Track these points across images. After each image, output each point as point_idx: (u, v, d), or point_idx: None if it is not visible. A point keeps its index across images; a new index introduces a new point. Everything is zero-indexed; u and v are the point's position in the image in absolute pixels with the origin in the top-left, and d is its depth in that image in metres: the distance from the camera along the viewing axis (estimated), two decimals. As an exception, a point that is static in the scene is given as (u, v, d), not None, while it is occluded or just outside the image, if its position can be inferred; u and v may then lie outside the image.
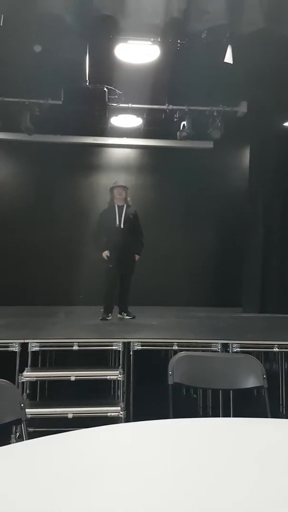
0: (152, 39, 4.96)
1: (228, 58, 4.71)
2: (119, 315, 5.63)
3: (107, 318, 5.44)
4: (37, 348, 3.79)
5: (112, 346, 3.88)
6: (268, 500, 1.03)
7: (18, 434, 3.14)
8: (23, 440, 1.62)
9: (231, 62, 4.71)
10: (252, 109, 6.52)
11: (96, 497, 1.03)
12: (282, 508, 0.99)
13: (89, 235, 6.04)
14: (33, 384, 3.89)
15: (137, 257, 5.63)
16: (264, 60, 5.19)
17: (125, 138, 7.91)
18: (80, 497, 1.03)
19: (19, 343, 3.74)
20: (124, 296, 5.70)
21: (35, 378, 3.73)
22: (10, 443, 2.92)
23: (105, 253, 5.51)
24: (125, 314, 5.63)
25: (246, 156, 8.14)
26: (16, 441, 3.05)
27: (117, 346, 3.86)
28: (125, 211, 5.53)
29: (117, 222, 5.48)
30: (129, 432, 1.56)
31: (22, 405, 1.76)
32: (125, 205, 5.56)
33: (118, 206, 5.54)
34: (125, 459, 1.27)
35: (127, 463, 1.24)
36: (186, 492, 1.07)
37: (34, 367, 3.87)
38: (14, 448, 1.41)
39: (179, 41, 5.02)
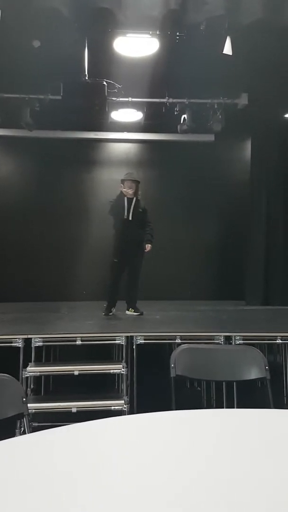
0: (150, 32, 4.94)
1: (227, 49, 4.68)
2: (127, 312, 5.53)
3: (110, 313, 5.41)
4: (41, 344, 3.79)
5: (115, 340, 3.88)
6: (271, 490, 1.03)
7: (22, 429, 3.15)
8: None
9: (231, 53, 4.69)
10: (253, 101, 6.47)
11: (99, 489, 1.03)
12: (286, 499, 0.99)
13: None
14: (37, 379, 3.91)
15: (148, 246, 5.49)
16: (264, 51, 5.15)
17: (125, 132, 7.89)
18: (83, 489, 1.03)
19: (22, 338, 3.74)
20: (132, 291, 5.59)
21: (38, 373, 3.74)
22: (14, 438, 2.93)
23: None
24: (133, 310, 5.51)
25: (247, 149, 8.11)
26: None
27: (120, 340, 3.86)
28: (134, 204, 5.44)
29: (126, 214, 5.41)
30: (132, 423, 1.55)
31: (24, 399, 1.75)
32: (134, 198, 5.47)
33: (127, 198, 5.44)
34: (128, 450, 1.27)
35: (130, 455, 1.24)
36: (189, 483, 1.06)
37: (38, 362, 3.88)
38: (17, 441, 1.41)
39: (177, 33, 4.99)
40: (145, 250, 5.49)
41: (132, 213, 5.41)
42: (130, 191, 5.43)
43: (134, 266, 5.54)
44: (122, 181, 5.55)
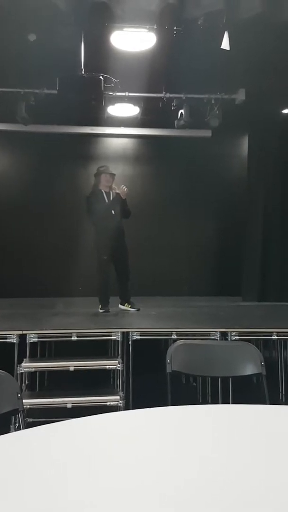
0: (148, 27, 4.90)
1: (225, 44, 4.66)
2: (122, 307, 5.47)
3: (109, 310, 5.35)
4: (36, 339, 3.78)
5: (111, 336, 3.88)
6: (266, 485, 1.03)
7: (17, 424, 3.14)
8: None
9: (228, 48, 4.67)
10: (250, 97, 6.45)
11: (94, 485, 1.02)
12: (280, 493, 0.98)
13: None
14: (32, 375, 3.89)
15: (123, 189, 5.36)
16: (262, 46, 5.13)
17: (122, 127, 7.85)
18: (78, 485, 1.02)
19: (17, 334, 3.72)
20: (124, 285, 5.53)
21: (33, 369, 3.73)
22: (9, 434, 2.92)
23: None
24: (129, 306, 5.45)
25: (244, 144, 8.09)
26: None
27: (116, 336, 3.85)
28: (113, 197, 5.41)
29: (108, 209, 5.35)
30: (127, 419, 1.55)
31: (19, 395, 1.74)
32: (111, 192, 5.44)
33: (105, 192, 5.41)
34: (123, 446, 1.26)
35: (125, 450, 1.23)
36: (184, 478, 1.06)
37: (33, 358, 3.86)
38: (12, 437, 1.40)
39: (175, 28, 4.96)
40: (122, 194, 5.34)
41: (113, 207, 5.37)
42: (108, 185, 5.40)
43: (122, 260, 5.49)
44: (99, 174, 5.49)
